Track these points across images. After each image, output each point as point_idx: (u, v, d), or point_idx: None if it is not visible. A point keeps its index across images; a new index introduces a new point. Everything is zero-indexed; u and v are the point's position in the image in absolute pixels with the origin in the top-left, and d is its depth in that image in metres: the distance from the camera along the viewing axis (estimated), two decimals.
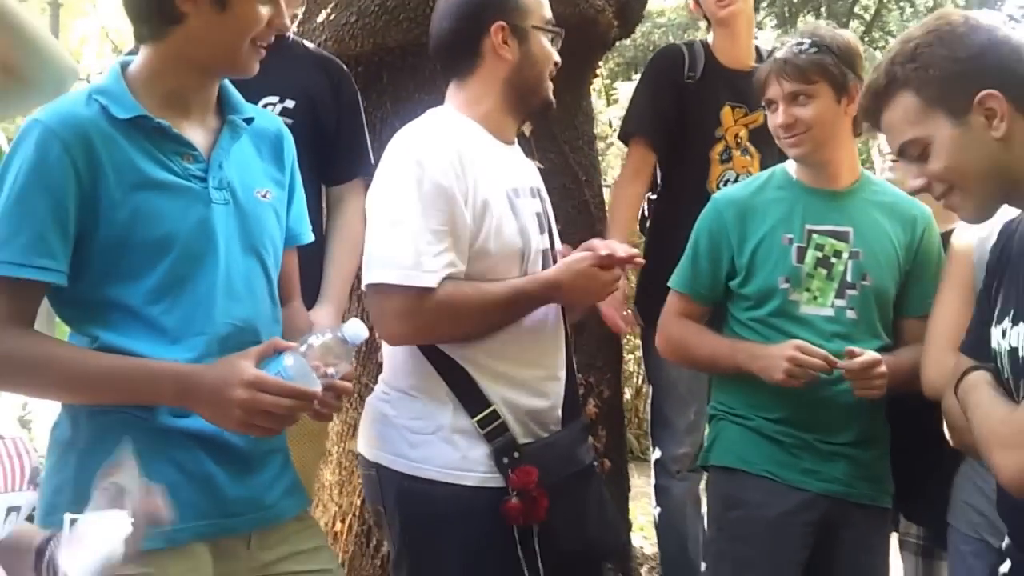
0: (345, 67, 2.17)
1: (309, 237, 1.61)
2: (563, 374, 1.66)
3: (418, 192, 1.50)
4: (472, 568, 1.53)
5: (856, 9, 13.97)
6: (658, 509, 2.74)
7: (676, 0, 13.58)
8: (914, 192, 1.40)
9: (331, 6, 2.47)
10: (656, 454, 2.75)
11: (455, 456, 1.54)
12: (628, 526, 2.95)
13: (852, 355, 1.74)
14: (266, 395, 1.24)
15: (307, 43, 2.23)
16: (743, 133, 2.61)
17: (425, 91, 2.45)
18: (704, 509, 2.14)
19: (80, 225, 1.28)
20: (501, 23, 1.60)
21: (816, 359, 1.74)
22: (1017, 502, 1.31)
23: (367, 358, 2.48)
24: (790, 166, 1.97)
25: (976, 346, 1.41)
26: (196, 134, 1.38)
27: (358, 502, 2.51)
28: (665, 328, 2.03)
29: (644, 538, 3.88)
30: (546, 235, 1.68)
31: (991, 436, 1.27)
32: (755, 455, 1.86)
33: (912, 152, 1.34)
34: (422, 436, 1.56)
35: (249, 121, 1.45)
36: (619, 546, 1.74)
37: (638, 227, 2.82)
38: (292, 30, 2.26)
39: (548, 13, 1.68)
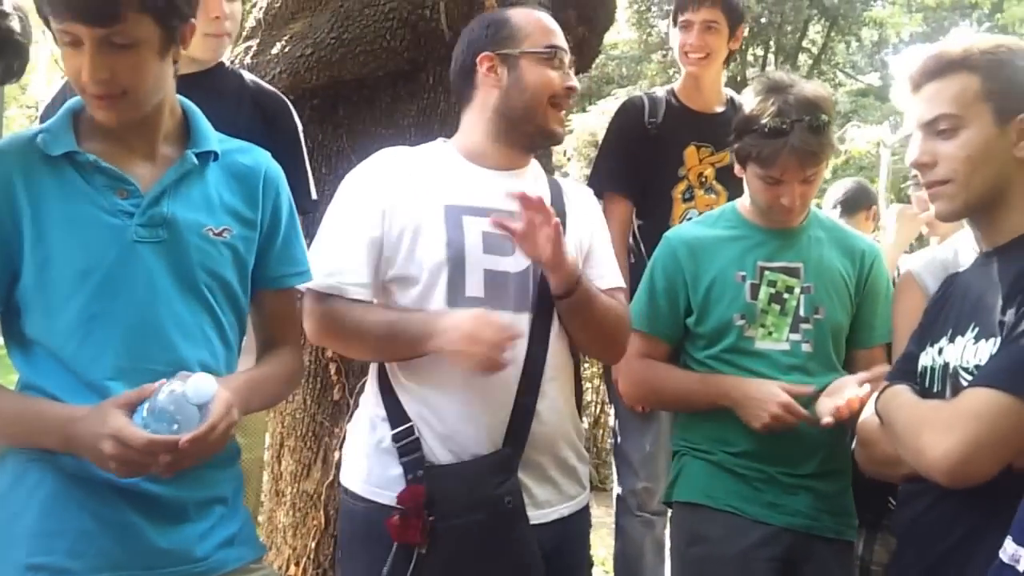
0: (286, 101, 2.12)
1: (302, 279, 1.54)
2: (503, 404, 1.59)
3: (335, 207, 1.67)
4: None
5: (804, 43, 14.37)
6: (618, 545, 2.70)
7: (629, 33, 13.84)
8: (915, 165, 1.42)
9: (286, 39, 2.44)
10: (617, 490, 2.72)
11: (375, 473, 1.60)
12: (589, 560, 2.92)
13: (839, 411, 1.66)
14: (132, 450, 1.20)
15: (246, 75, 2.16)
16: (709, 172, 2.67)
17: (382, 124, 2.43)
18: (667, 551, 2.10)
19: (6, 261, 1.28)
20: (487, 54, 1.67)
21: (796, 418, 1.74)
22: (912, 521, 1.38)
23: (321, 396, 2.42)
24: (740, 204, 1.97)
25: (901, 376, 1.47)
26: (142, 168, 1.35)
27: (312, 544, 2.43)
28: (629, 370, 1.98)
29: (605, 572, 3.85)
30: (510, 258, 1.61)
31: (921, 422, 1.31)
32: (718, 490, 1.84)
33: (941, 127, 1.38)
34: (359, 450, 1.66)
35: (213, 156, 1.41)
36: None
37: None
38: (225, 59, 2.20)
39: (549, 39, 1.68)
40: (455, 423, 1.57)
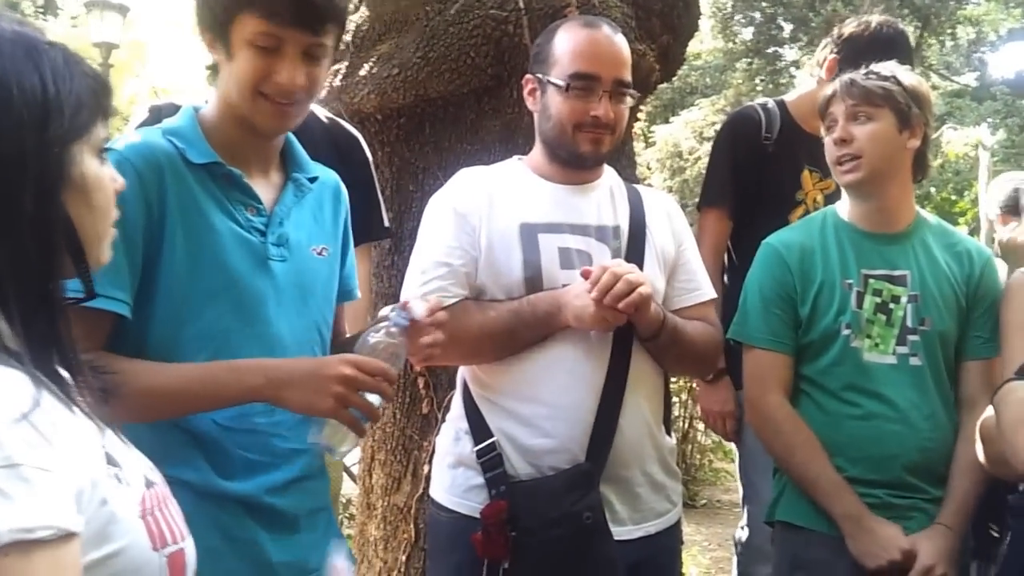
0: (357, 134, 2.16)
1: (359, 295, 1.60)
2: (584, 415, 1.57)
3: (425, 231, 1.68)
4: None
5: None
6: None
7: (713, 42, 13.65)
8: None
9: (373, 60, 2.48)
10: (744, 533, 2.50)
11: (458, 484, 1.64)
12: None
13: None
14: (364, 372, 1.23)
15: (319, 112, 2.20)
16: (820, 198, 2.51)
17: (467, 140, 2.45)
18: None
19: (145, 257, 1.26)
20: (528, 76, 1.71)
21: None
22: None
23: (410, 409, 2.44)
24: (841, 208, 1.90)
25: None
26: (260, 188, 1.38)
27: (403, 557, 2.45)
28: (762, 404, 1.83)
29: None
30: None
31: (1018, 417, 1.28)
32: (823, 512, 1.75)
33: None
34: (444, 462, 1.69)
35: (314, 180, 1.45)
36: None
37: None
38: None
39: (576, 66, 1.61)
40: (536, 438, 1.58)
